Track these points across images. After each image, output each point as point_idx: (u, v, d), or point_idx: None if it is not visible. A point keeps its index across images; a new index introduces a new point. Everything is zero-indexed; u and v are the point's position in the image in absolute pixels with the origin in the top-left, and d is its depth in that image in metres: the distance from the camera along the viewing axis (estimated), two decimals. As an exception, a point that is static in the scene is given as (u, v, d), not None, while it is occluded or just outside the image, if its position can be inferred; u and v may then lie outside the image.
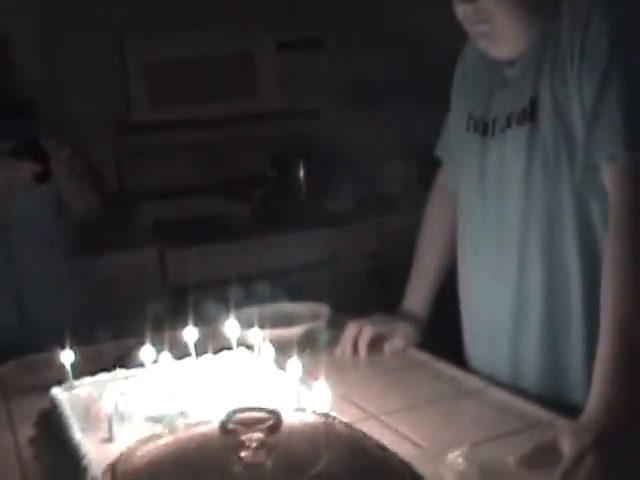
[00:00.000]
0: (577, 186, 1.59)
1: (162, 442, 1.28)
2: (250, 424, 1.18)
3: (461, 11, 1.67)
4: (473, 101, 1.85)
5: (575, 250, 1.62)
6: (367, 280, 3.69)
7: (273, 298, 2.25)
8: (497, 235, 1.76)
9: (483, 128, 1.78)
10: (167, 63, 3.74)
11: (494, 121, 1.75)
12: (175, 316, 2.08)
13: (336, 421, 1.33)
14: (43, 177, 2.46)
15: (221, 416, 1.21)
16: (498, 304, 1.76)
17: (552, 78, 1.60)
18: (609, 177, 1.51)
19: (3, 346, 2.18)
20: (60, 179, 2.56)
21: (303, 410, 1.36)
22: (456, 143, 1.94)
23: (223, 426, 1.19)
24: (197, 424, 1.33)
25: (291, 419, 1.28)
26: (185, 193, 3.99)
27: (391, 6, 3.97)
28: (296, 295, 2.26)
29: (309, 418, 1.33)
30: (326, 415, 1.35)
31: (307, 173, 3.89)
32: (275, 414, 1.21)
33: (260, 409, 1.22)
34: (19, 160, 2.43)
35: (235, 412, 1.22)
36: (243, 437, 1.17)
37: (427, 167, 3.83)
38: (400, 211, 3.92)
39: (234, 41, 3.83)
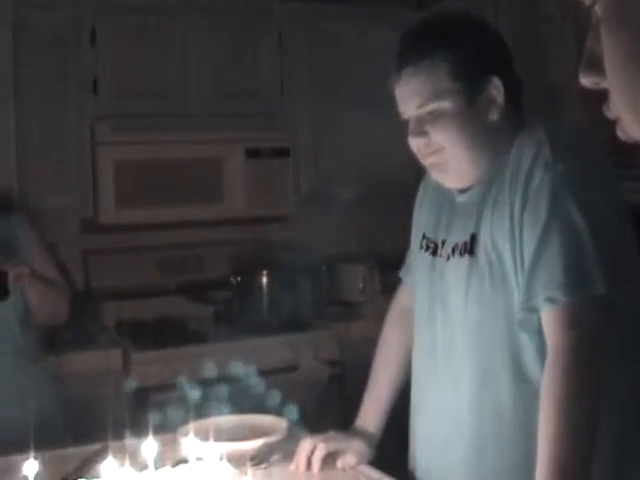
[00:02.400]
0: (512, 323, 1.68)
1: None
2: None
3: (414, 144, 1.79)
4: (427, 220, 1.96)
5: (507, 382, 1.71)
6: (328, 387, 3.73)
7: (233, 404, 2.30)
8: (440, 358, 1.85)
9: (433, 248, 1.90)
10: (136, 165, 3.81)
11: (443, 243, 1.87)
12: (136, 420, 2.14)
13: None
14: (2, 296, 2.47)
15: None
16: (443, 420, 1.84)
17: (492, 219, 1.71)
18: (546, 319, 1.61)
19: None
20: (25, 290, 2.58)
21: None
22: (413, 261, 2.05)
23: None
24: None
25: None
26: (149, 294, 4.04)
27: (359, 119, 4.11)
28: (256, 401, 2.31)
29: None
30: None
31: (270, 279, 3.96)
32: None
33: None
34: None
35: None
36: None
37: (389, 275, 3.94)
38: (362, 318, 3.99)
39: (203, 146, 3.92)
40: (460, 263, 1.77)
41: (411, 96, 1.75)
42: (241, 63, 3.99)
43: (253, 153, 4.01)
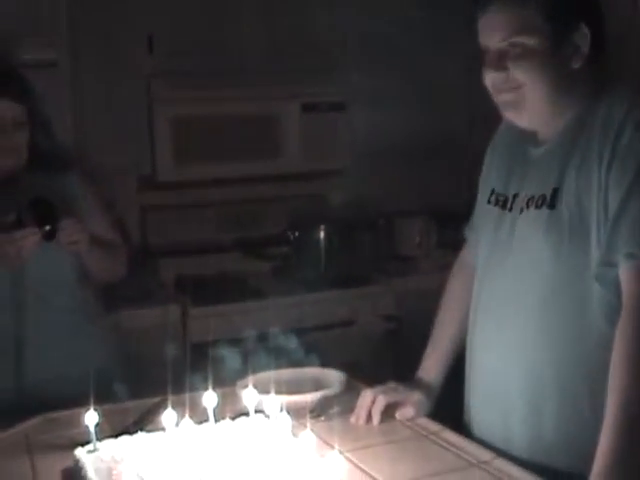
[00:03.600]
0: (587, 277, 1.67)
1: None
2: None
3: (490, 79, 1.77)
4: (497, 175, 1.94)
5: (575, 337, 1.70)
6: (385, 342, 3.73)
7: (291, 359, 2.30)
8: (504, 311, 1.84)
9: (503, 202, 1.88)
10: (193, 121, 3.82)
11: (514, 197, 1.84)
12: (195, 374, 2.15)
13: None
14: (51, 234, 2.41)
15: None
16: (509, 376, 1.82)
17: (578, 173, 1.69)
18: (625, 274, 1.61)
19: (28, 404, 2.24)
20: (82, 254, 2.57)
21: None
22: (478, 217, 2.03)
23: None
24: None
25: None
26: (207, 250, 4.06)
27: (417, 70, 4.07)
28: (314, 355, 2.30)
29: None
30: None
31: (327, 234, 3.95)
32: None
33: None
34: (24, 227, 2.40)
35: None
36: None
37: (446, 229, 3.91)
38: (419, 273, 3.98)
39: (259, 101, 3.91)
40: (536, 216, 1.75)
41: (497, 27, 1.73)
42: (296, 16, 3.95)
43: (309, 107, 3.98)
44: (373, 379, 2.13)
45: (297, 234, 3.99)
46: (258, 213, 4.20)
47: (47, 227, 2.41)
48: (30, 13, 3.41)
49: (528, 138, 1.86)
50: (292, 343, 2.71)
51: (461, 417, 2.03)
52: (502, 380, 1.84)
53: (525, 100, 1.74)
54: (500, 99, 1.79)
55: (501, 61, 1.73)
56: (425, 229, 4.12)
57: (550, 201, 1.73)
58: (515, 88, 1.73)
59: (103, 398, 1.91)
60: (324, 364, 2.27)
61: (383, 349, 3.69)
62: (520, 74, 1.72)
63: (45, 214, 2.44)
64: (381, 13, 4.06)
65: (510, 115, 1.81)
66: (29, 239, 2.41)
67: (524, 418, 1.79)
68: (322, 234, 3.95)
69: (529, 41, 1.70)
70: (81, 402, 1.83)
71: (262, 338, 3.20)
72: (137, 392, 2.26)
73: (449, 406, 2.02)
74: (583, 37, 1.71)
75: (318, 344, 3.07)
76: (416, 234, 4.12)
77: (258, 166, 3.96)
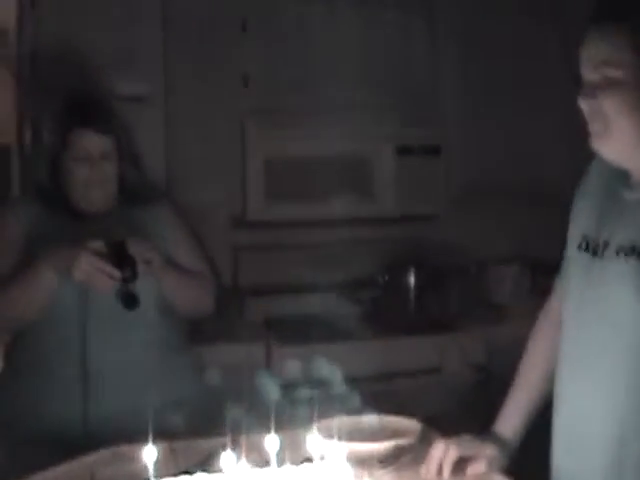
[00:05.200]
0: None
1: None
2: None
3: (583, 105, 1.76)
4: (588, 220, 1.87)
5: None
6: (472, 392, 3.63)
7: (372, 405, 2.24)
8: (591, 364, 1.77)
9: (594, 249, 1.81)
10: (286, 160, 3.81)
11: (605, 244, 1.77)
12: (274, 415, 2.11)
13: None
14: (130, 279, 2.43)
15: None
16: (593, 421, 1.76)
17: None
18: None
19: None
20: (158, 277, 2.57)
21: None
22: (567, 263, 1.95)
23: None
24: None
25: None
26: (296, 291, 4.04)
27: (514, 114, 4.00)
28: (396, 402, 2.24)
29: None
30: None
31: (418, 279, 3.90)
32: None
33: None
34: (103, 261, 2.42)
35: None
36: None
37: (540, 277, 3.81)
38: (511, 322, 3.87)
39: (354, 142, 3.89)
40: (626, 266, 1.70)
41: (590, 58, 1.74)
42: (391, 56, 3.92)
43: (404, 150, 3.94)
44: (457, 432, 2.05)
45: (387, 277, 3.95)
46: (349, 255, 4.15)
47: (126, 270, 2.42)
48: (126, 45, 3.46)
49: (620, 179, 1.81)
50: (376, 388, 2.65)
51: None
52: (586, 425, 1.78)
53: (609, 130, 1.73)
54: (590, 128, 1.77)
55: (592, 90, 1.73)
56: (518, 276, 4.04)
57: None
58: (602, 118, 1.72)
59: (177, 433, 1.89)
60: (407, 413, 2.20)
61: (470, 400, 3.58)
62: (606, 103, 1.71)
63: (125, 260, 2.44)
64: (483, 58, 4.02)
65: (596, 145, 1.78)
66: (113, 274, 2.42)
67: (604, 465, 1.73)
68: (412, 278, 3.90)
69: (617, 73, 1.69)
70: (155, 435, 1.80)
71: (347, 382, 3.17)
72: (211, 428, 2.23)
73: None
74: None
75: (403, 391, 3.02)
76: (509, 281, 4.04)
77: (350, 208, 3.93)
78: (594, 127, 1.75)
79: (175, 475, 1.76)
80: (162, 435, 1.79)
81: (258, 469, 1.73)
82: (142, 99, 3.46)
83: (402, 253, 4.10)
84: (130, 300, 2.44)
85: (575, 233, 1.91)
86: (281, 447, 1.77)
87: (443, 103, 3.99)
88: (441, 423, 2.20)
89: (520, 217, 4.16)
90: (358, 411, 2.19)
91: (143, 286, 2.48)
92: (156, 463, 1.71)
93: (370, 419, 2.14)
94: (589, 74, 1.74)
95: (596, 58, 1.72)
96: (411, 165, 3.96)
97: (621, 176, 1.80)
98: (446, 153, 4.00)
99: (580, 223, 1.90)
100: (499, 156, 4.05)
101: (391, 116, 3.89)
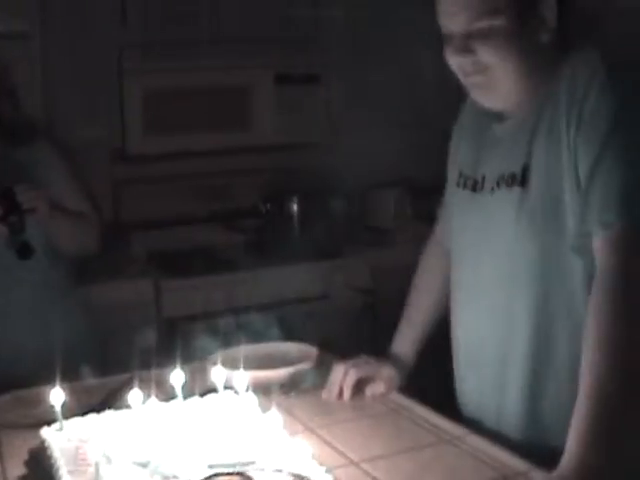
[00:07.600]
0: (565, 250, 1.64)
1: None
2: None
3: (457, 61, 1.71)
4: (465, 157, 1.90)
5: (559, 308, 1.68)
6: (359, 316, 3.70)
7: (263, 333, 2.28)
8: (484, 293, 1.82)
9: (472, 184, 1.84)
10: (165, 93, 3.76)
11: (483, 179, 1.81)
12: (168, 350, 2.12)
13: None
14: (19, 229, 2.39)
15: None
16: (488, 345, 1.81)
17: (547, 145, 1.65)
18: (600, 243, 1.57)
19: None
20: (45, 222, 2.52)
21: (280, 471, 1.39)
22: (449, 198, 2.00)
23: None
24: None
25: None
26: (179, 223, 4.02)
27: (392, 44, 4.02)
28: (287, 330, 2.28)
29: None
30: (301, 477, 1.38)
31: (300, 207, 3.92)
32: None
33: (237, 474, 1.25)
34: None
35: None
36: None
37: (422, 200, 3.88)
38: (395, 246, 3.95)
39: (232, 72, 3.86)
40: (508, 195, 1.72)
41: (461, 11, 1.66)
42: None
43: (283, 78, 3.93)
44: (347, 354, 2.10)
45: (269, 206, 3.95)
46: (230, 186, 4.15)
47: (13, 218, 2.38)
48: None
49: (491, 116, 1.81)
50: (264, 317, 2.68)
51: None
52: (480, 347, 1.84)
53: (495, 81, 1.69)
54: (468, 81, 1.74)
55: (467, 44, 1.67)
56: (399, 201, 4.10)
57: (521, 179, 1.69)
58: (483, 70, 1.68)
59: (71, 375, 1.88)
60: (297, 338, 2.25)
61: (358, 323, 3.66)
62: (487, 56, 1.66)
63: (11, 205, 2.39)
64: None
65: (480, 97, 1.76)
66: None
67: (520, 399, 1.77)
68: (295, 206, 3.92)
69: (496, 22, 1.63)
70: (49, 379, 1.80)
71: (234, 312, 3.20)
72: (107, 369, 2.23)
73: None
74: (550, 9, 1.66)
75: (291, 318, 3.06)
76: (391, 206, 4.09)
77: (230, 138, 3.91)
78: (475, 79, 1.71)
79: (81, 415, 1.76)
80: (54, 376, 1.78)
81: (164, 403, 1.74)
82: (18, 35, 3.35)
83: (284, 182, 4.11)
84: (24, 250, 2.40)
85: (453, 170, 1.94)
86: (187, 378, 1.79)
87: (323, 32, 3.98)
88: (333, 348, 2.25)
89: (399, 143, 4.21)
90: (252, 340, 2.23)
91: (28, 230, 2.43)
92: (63, 405, 1.71)
93: (268, 347, 2.18)
94: (460, 28, 1.66)
95: (470, 11, 1.64)
96: (291, 93, 3.95)
97: (492, 113, 1.80)
98: (326, 82, 4.01)
99: (457, 160, 1.94)
100: (379, 84, 4.07)
101: (270, 45, 3.87)
